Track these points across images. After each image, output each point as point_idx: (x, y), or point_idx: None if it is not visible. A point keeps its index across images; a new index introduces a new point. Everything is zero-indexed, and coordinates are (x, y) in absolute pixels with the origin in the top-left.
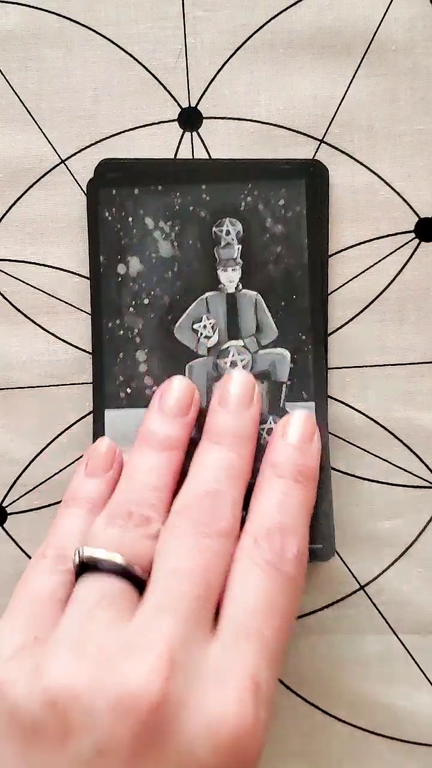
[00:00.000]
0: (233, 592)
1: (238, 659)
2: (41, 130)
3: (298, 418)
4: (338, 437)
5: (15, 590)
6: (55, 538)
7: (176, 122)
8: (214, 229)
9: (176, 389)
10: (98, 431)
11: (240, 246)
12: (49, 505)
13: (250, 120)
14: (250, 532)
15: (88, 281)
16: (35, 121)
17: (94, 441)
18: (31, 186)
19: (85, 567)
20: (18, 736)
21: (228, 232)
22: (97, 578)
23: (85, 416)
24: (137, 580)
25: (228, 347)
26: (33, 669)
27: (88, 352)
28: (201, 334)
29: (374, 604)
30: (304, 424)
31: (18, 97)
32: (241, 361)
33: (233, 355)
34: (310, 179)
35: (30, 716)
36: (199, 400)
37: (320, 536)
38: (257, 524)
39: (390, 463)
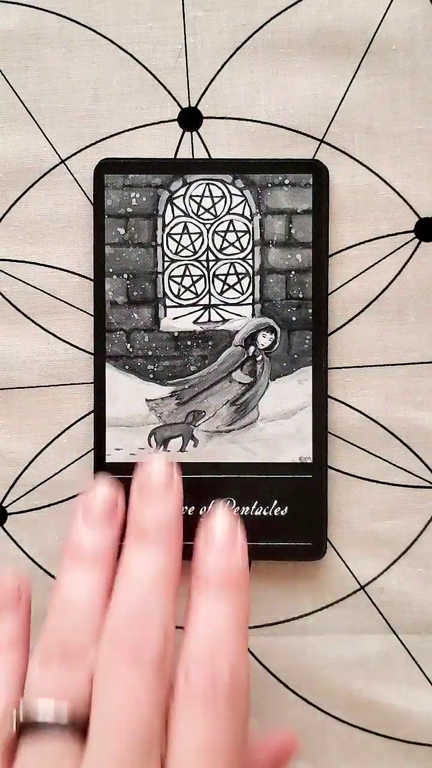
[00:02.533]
0: (173, 745)
1: None
2: (41, 130)
3: (219, 517)
4: (338, 437)
5: None
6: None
7: (176, 122)
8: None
9: (99, 493)
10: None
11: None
12: (49, 505)
13: (250, 120)
14: (182, 662)
15: (88, 281)
16: (35, 121)
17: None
18: (31, 186)
19: (28, 726)
20: None
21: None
22: (41, 740)
23: (85, 416)
24: (82, 726)
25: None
26: None
27: (88, 352)
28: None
29: (374, 604)
30: (225, 524)
31: (18, 97)
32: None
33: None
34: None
35: None
36: (123, 503)
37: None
38: (185, 647)
39: (390, 463)
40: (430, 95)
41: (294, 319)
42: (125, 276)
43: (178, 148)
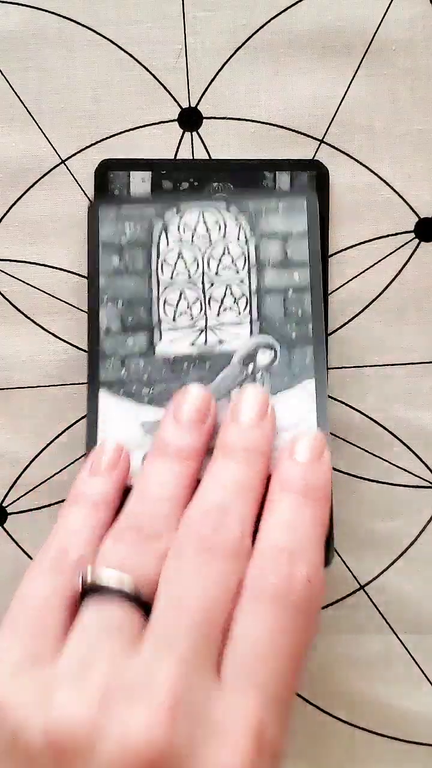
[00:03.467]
0: (236, 632)
1: (240, 709)
2: (41, 130)
3: (308, 436)
4: (338, 437)
5: (15, 595)
6: (57, 539)
7: (176, 122)
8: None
9: (192, 398)
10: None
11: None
12: (49, 505)
13: (250, 120)
14: (258, 551)
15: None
16: (35, 121)
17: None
18: (31, 186)
19: (93, 587)
20: (15, 761)
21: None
22: (103, 603)
23: (85, 416)
24: (145, 602)
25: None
26: (36, 697)
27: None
28: None
29: (374, 604)
30: (313, 442)
31: (18, 97)
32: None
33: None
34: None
35: (29, 748)
36: (216, 410)
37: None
38: (264, 543)
39: (390, 463)
40: (430, 95)
41: (294, 336)
42: (119, 303)
43: (178, 148)
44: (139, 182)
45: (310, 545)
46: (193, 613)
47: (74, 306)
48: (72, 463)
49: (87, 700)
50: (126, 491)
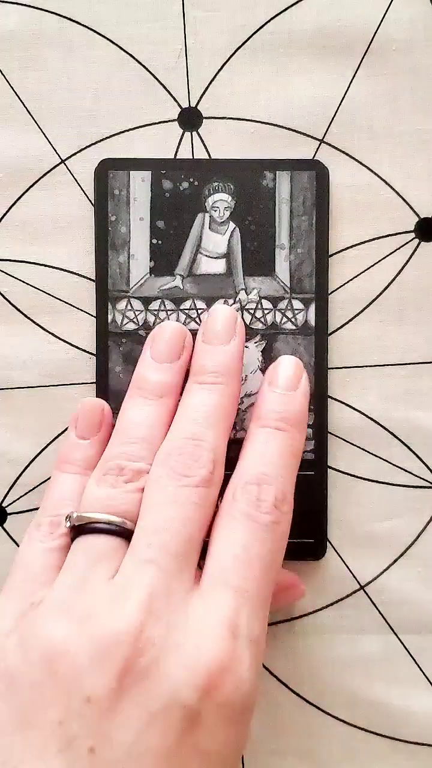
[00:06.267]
0: (213, 548)
1: (214, 607)
2: (41, 130)
3: (284, 363)
4: (338, 437)
5: (14, 562)
6: (49, 504)
7: (176, 122)
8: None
9: (167, 334)
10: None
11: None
12: None
13: (250, 120)
14: (231, 486)
15: (88, 281)
16: (35, 121)
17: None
18: (31, 186)
19: (80, 529)
20: (16, 700)
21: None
22: (90, 538)
23: None
24: (129, 534)
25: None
26: (28, 635)
27: (88, 352)
28: None
29: (374, 604)
30: (288, 370)
31: (18, 97)
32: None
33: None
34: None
35: (28, 680)
36: (191, 343)
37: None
38: (237, 477)
39: (390, 463)
40: (430, 95)
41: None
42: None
43: (178, 148)
44: (139, 182)
45: (278, 472)
46: (170, 530)
47: (74, 306)
48: None
49: (73, 618)
50: None
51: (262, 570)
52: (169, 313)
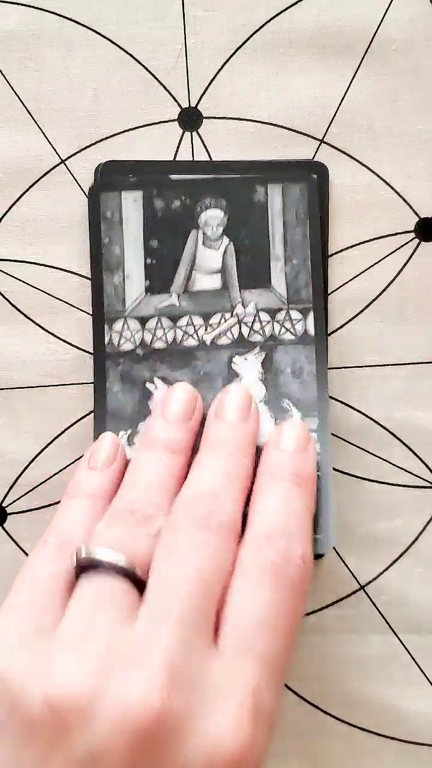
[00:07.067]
0: (235, 600)
1: (238, 676)
2: (41, 130)
3: (292, 425)
4: (338, 437)
5: (17, 576)
6: (58, 527)
7: (176, 122)
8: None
9: (179, 396)
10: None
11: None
12: (49, 505)
13: (250, 120)
14: (253, 532)
15: (88, 281)
16: (35, 121)
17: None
18: (31, 186)
19: (87, 566)
20: (15, 730)
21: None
22: (98, 578)
23: (85, 416)
24: (138, 580)
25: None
26: (37, 665)
27: (88, 352)
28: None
29: (374, 604)
30: (298, 432)
31: (18, 97)
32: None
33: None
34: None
35: (29, 714)
36: (201, 406)
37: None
38: (259, 524)
39: (390, 463)
40: (430, 95)
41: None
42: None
43: (178, 148)
44: (131, 203)
45: (302, 529)
46: (189, 584)
47: (74, 306)
48: (72, 463)
49: (86, 666)
50: None
51: (288, 636)
52: (166, 330)
